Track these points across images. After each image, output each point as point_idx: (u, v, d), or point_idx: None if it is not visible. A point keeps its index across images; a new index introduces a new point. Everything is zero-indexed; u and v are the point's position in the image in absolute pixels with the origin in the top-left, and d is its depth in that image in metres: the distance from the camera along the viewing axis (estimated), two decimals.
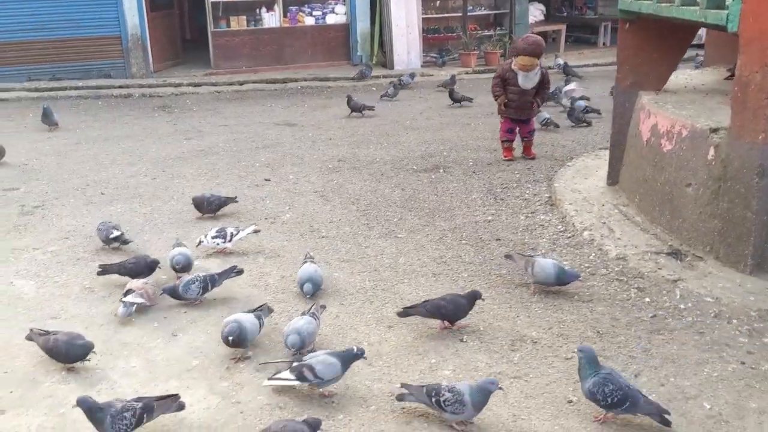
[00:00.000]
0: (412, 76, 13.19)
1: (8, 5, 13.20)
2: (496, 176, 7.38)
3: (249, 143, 9.04)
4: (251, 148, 8.79)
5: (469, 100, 11.15)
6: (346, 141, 9.15)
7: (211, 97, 12.11)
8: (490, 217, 6.15)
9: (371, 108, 10.52)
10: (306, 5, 15.49)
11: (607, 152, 7.33)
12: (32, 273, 5.21)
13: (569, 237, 5.55)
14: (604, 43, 18.48)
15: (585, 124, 9.60)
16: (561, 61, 14.24)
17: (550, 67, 13.67)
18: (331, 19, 15.63)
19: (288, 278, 5.02)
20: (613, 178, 6.39)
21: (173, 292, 4.55)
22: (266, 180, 7.49)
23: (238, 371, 3.86)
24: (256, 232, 5.68)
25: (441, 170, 7.67)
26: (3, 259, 5.45)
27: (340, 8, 15.61)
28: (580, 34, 18.74)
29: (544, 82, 7.85)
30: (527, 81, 7.67)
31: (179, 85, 12.88)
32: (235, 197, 6.46)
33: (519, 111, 7.84)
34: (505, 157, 7.98)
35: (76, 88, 12.35)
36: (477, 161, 7.97)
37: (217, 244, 5.44)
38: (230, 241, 5.44)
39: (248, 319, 3.98)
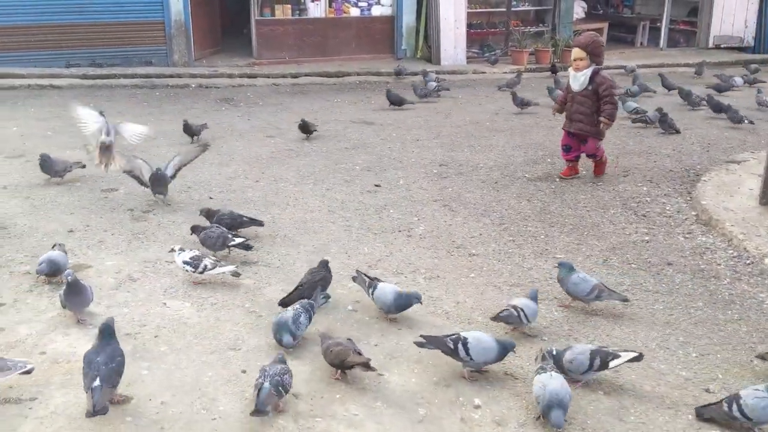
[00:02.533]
0: (437, 81, 12.18)
1: None
2: (619, 187, 7.03)
3: (335, 143, 8.59)
4: (341, 149, 8.35)
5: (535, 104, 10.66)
6: (434, 142, 8.74)
7: (270, 90, 11.60)
8: (646, 237, 5.78)
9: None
10: None
11: (739, 167, 7.04)
12: (181, 292, 4.74)
13: (749, 264, 5.19)
14: (641, 43, 18.19)
15: (675, 131, 9.25)
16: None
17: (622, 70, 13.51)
18: (376, 11, 15.18)
19: (464, 305, 4.62)
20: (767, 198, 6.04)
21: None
22: (376, 186, 7.06)
23: None
24: (235, 275, 4.86)
25: (557, 179, 7.27)
26: (141, 274, 4.98)
27: (386, 0, 15.13)
28: (617, 33, 18.38)
29: (599, 92, 6.85)
30: (574, 81, 6.98)
31: (232, 75, 12.34)
32: (262, 222, 5.76)
33: (569, 121, 7.15)
34: (562, 175, 7.31)
35: (128, 76, 11.76)
36: (589, 169, 7.57)
37: (186, 270, 4.82)
38: (201, 272, 4.79)
39: None
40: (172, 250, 4.94)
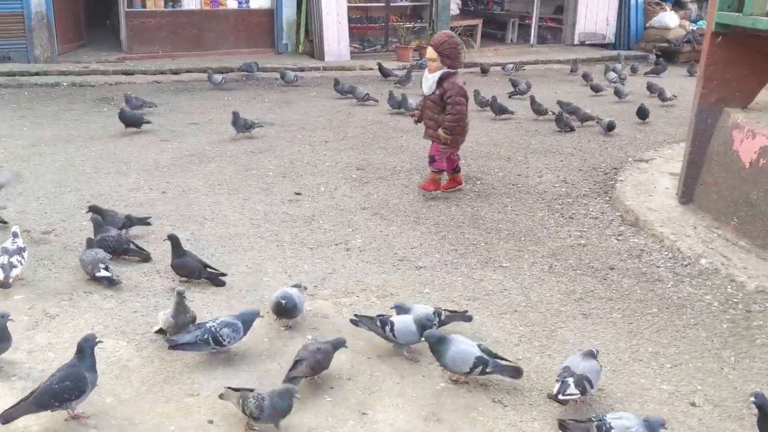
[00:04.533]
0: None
1: None
2: (539, 188, 7.07)
3: (240, 146, 8.08)
4: (247, 153, 7.86)
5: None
6: (343, 144, 8.46)
7: (152, 87, 10.77)
8: (582, 241, 5.82)
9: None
10: None
11: (648, 165, 7.29)
12: (112, 328, 4.17)
13: (686, 265, 5.32)
14: (511, 40, 18.74)
15: (570, 129, 9.51)
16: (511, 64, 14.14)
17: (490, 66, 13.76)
18: (254, 4, 14.63)
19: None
20: (687, 197, 6.26)
21: None
22: (297, 194, 6.68)
23: None
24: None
25: (478, 182, 7.23)
26: (58, 309, 4.34)
27: None
28: (488, 29, 18.81)
29: (445, 97, 6.28)
30: (425, 83, 6.46)
31: (107, 72, 11.37)
32: (148, 218, 5.59)
33: (425, 128, 6.67)
34: (443, 188, 6.75)
35: None
36: (504, 171, 7.60)
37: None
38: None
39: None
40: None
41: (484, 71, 13.80)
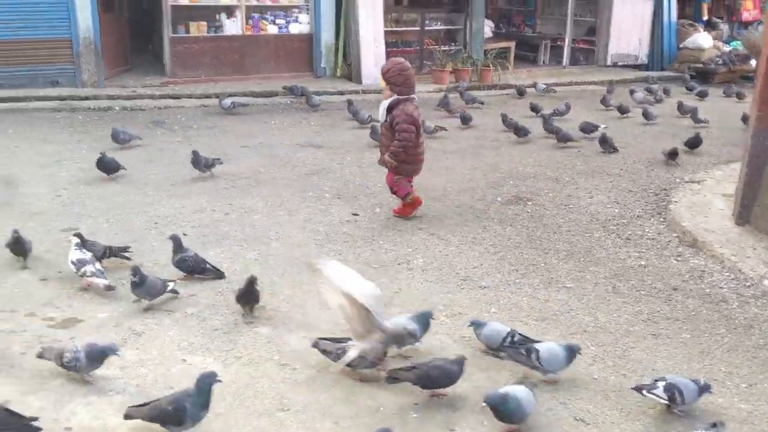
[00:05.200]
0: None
1: None
2: (591, 209, 7.16)
3: (292, 169, 8.26)
4: (301, 175, 8.03)
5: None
6: None
7: (200, 111, 11.01)
8: (642, 262, 5.89)
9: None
10: (269, 12, 14.60)
11: (700, 187, 7.35)
12: (197, 345, 4.31)
13: (749, 286, 5.38)
14: (543, 61, 18.85)
15: (614, 150, 9.58)
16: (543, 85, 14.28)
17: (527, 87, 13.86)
18: (294, 29, 14.84)
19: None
20: (744, 218, 6.31)
21: None
22: (354, 215, 6.82)
23: None
24: (109, 289, 4.86)
25: (530, 203, 7.34)
26: (143, 326, 4.50)
27: (304, 17, 14.86)
28: (520, 51, 18.95)
29: (393, 124, 6.27)
30: (380, 110, 6.53)
31: (154, 96, 11.67)
32: (128, 248, 5.50)
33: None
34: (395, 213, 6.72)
35: (40, 98, 10.81)
36: (554, 191, 7.69)
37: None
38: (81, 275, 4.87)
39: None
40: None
41: (521, 93, 13.91)
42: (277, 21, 14.56)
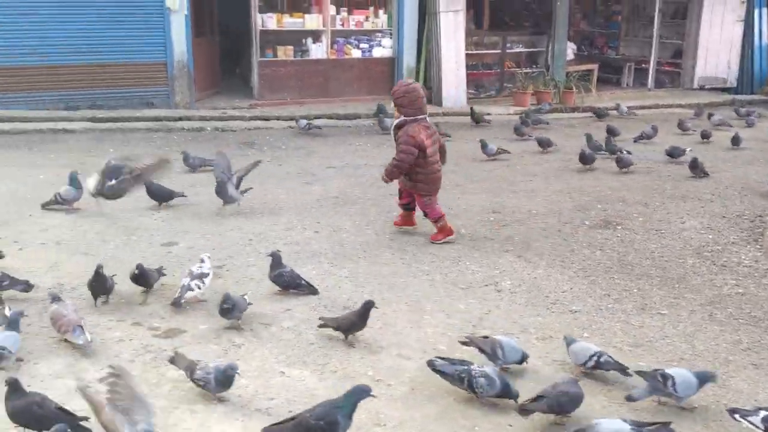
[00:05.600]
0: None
1: (48, 27, 12.08)
2: (683, 235, 7.00)
3: (377, 189, 8.36)
4: (386, 195, 8.12)
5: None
6: (475, 187, 8.67)
7: (288, 132, 11.32)
8: (739, 290, 5.72)
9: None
10: (353, 37, 14.93)
11: None
12: (294, 358, 4.43)
13: None
14: (627, 84, 18.53)
15: (704, 174, 9.33)
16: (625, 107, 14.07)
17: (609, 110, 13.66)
18: (377, 53, 15.12)
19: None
20: None
21: None
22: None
23: None
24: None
25: (619, 227, 7.23)
26: (242, 338, 4.66)
27: (387, 41, 15.12)
28: (602, 74, 18.68)
29: (397, 143, 6.50)
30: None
31: (244, 117, 12.09)
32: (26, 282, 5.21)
33: None
34: (394, 224, 7.01)
35: (137, 119, 11.36)
36: (643, 216, 7.56)
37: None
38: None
39: None
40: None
41: (600, 115, 13.69)
42: (361, 45, 14.88)
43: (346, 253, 6.32)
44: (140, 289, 5.26)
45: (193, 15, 12.98)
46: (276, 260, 5.35)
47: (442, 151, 6.82)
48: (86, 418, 3.54)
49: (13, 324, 4.28)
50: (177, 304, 4.99)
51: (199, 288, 5.07)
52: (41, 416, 3.49)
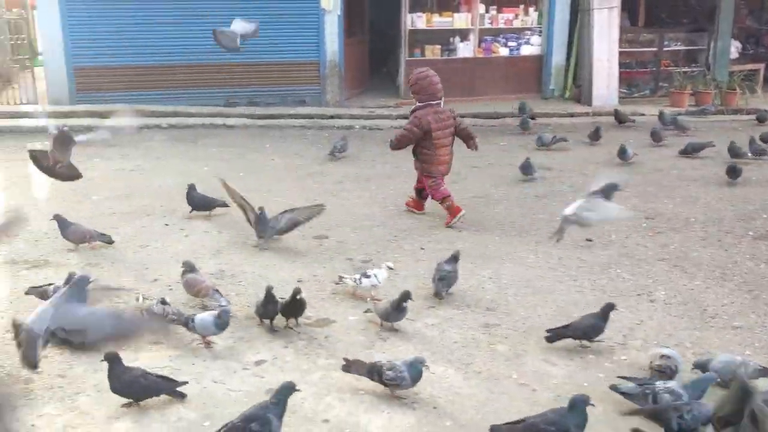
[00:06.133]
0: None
1: (208, 27, 12.79)
2: None
3: (522, 190, 8.34)
4: (531, 197, 8.12)
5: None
6: (627, 192, 8.15)
7: None
8: None
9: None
10: (501, 35, 14.78)
11: None
12: (439, 356, 4.48)
13: None
14: None
15: None
16: None
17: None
18: (525, 51, 14.90)
19: None
20: None
21: None
22: (588, 240, 6.67)
23: None
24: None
25: None
26: (387, 333, 4.76)
27: (536, 39, 14.87)
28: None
29: None
30: None
31: (391, 116, 12.34)
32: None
33: None
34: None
35: (291, 116, 11.87)
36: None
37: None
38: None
39: None
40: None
41: (761, 119, 12.65)
42: (509, 43, 14.72)
43: (489, 254, 6.30)
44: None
45: (346, 15, 13.36)
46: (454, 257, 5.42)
47: (465, 135, 7.35)
48: (185, 382, 3.81)
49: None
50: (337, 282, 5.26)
51: (356, 282, 5.20)
52: (146, 386, 3.80)
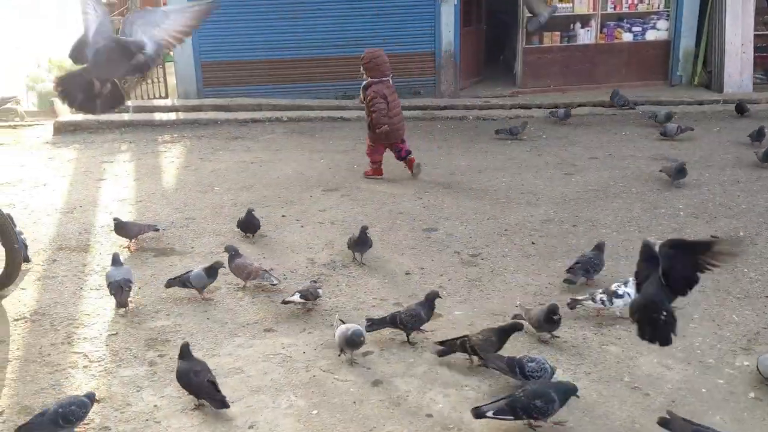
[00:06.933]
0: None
1: (326, 22, 13.10)
2: None
3: (643, 183, 7.95)
4: (653, 190, 7.72)
5: None
6: (759, 185, 7.74)
7: (548, 121, 11.12)
8: None
9: None
10: (625, 20, 14.18)
11: None
12: (546, 354, 4.39)
13: None
14: None
15: None
16: None
17: None
18: (651, 36, 14.22)
19: None
20: None
21: None
22: (713, 237, 6.26)
23: None
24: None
25: None
26: None
27: (663, 24, 14.14)
28: None
29: (367, 101, 7.92)
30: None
31: (505, 106, 12.16)
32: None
33: None
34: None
35: (405, 108, 11.84)
36: None
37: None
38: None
39: None
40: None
41: None
42: (633, 28, 14.11)
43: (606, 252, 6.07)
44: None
45: (462, 5, 13.25)
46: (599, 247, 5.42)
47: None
48: (224, 397, 3.82)
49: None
50: (572, 306, 4.90)
51: (603, 303, 4.83)
52: (194, 384, 3.87)
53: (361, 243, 5.72)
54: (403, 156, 8.24)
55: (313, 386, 4.12)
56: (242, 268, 5.26)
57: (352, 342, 4.23)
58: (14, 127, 11.53)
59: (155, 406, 3.96)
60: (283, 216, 7.00)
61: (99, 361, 4.42)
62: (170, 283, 5.18)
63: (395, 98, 8.07)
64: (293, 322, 4.88)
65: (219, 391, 3.86)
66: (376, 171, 8.25)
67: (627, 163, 8.76)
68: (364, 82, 7.99)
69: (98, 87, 3.58)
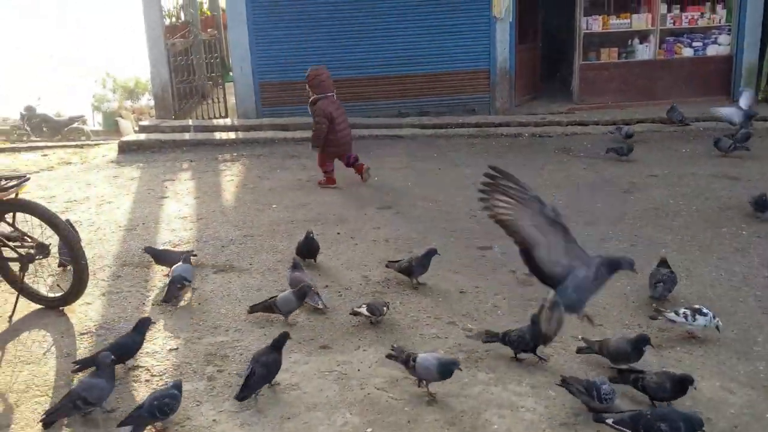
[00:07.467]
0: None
1: (380, 41, 13.23)
2: None
3: (704, 201, 7.81)
4: (714, 209, 7.56)
5: None
6: None
7: (608, 138, 10.94)
8: None
9: None
10: (685, 35, 13.92)
11: None
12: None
13: None
14: None
15: None
16: None
17: None
18: (712, 51, 13.92)
19: None
20: None
21: None
22: None
23: None
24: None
25: None
26: (549, 348, 4.65)
27: (724, 38, 13.84)
28: None
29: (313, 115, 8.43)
30: None
31: (561, 123, 12.02)
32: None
33: None
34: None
35: (460, 125, 11.96)
36: None
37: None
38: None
39: None
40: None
41: None
42: (694, 44, 13.85)
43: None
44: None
45: (518, 22, 13.24)
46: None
47: None
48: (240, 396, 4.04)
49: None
50: (654, 318, 4.99)
51: (686, 318, 4.75)
52: (249, 368, 4.15)
53: (419, 266, 5.66)
54: (352, 163, 8.66)
55: (367, 404, 4.14)
56: (296, 282, 5.32)
57: (447, 372, 4.12)
58: (81, 146, 11.99)
59: (214, 420, 4.04)
60: (338, 233, 7.07)
61: (160, 375, 4.53)
62: (253, 309, 5.21)
63: (341, 113, 8.46)
64: (348, 339, 4.92)
65: (247, 385, 4.11)
66: (329, 180, 8.64)
67: (687, 180, 8.58)
68: (311, 99, 8.44)
69: None
